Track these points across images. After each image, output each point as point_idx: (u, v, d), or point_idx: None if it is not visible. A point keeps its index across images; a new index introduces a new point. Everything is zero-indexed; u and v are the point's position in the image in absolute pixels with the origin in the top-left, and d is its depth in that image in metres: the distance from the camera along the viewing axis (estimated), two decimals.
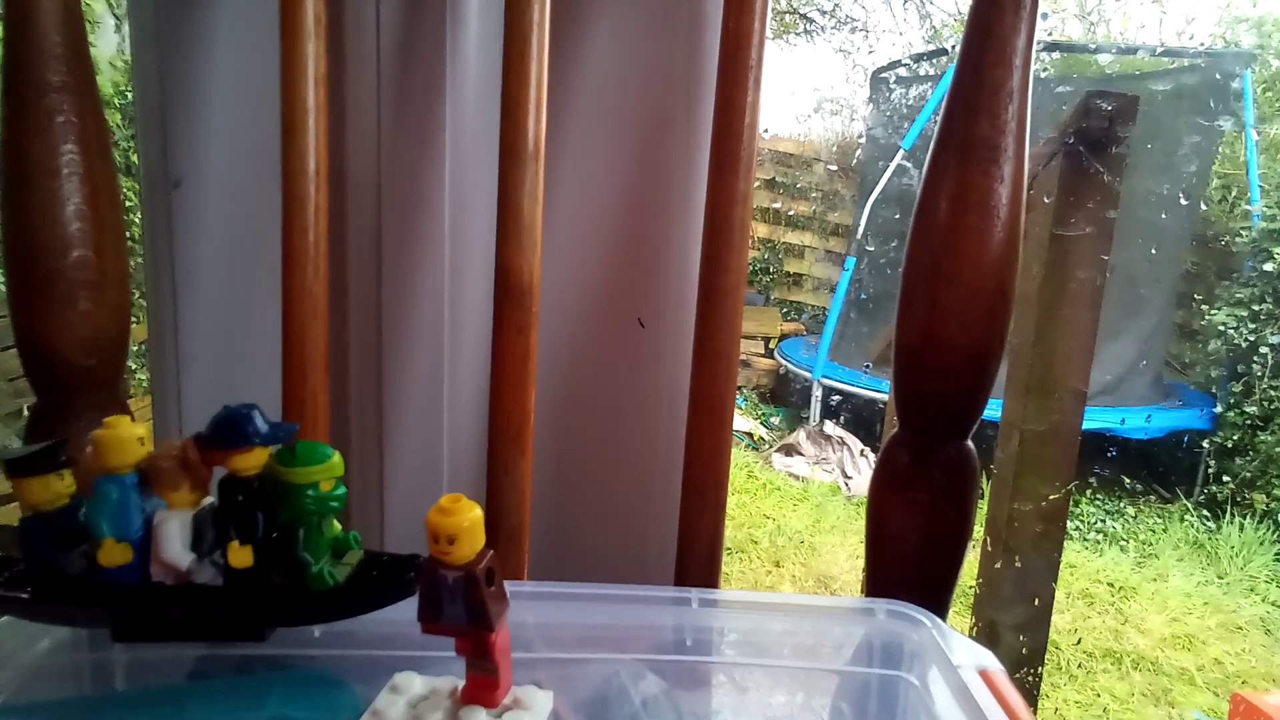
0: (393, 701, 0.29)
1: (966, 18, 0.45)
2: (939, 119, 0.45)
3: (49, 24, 0.44)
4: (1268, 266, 3.26)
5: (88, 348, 0.47)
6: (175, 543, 0.35)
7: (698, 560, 0.51)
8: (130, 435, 0.34)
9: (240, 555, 0.34)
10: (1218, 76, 3.39)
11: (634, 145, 0.60)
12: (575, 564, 0.63)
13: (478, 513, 0.26)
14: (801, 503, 3.09)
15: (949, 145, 0.44)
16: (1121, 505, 3.26)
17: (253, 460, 0.34)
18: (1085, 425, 1.46)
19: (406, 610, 0.35)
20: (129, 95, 2.83)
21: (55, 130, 0.45)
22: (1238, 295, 3.38)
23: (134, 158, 2.13)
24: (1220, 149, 3.57)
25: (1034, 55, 0.45)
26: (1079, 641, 2.29)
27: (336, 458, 0.35)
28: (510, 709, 0.28)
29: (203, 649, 0.37)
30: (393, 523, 0.65)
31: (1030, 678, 1.59)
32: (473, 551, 0.26)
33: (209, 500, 0.36)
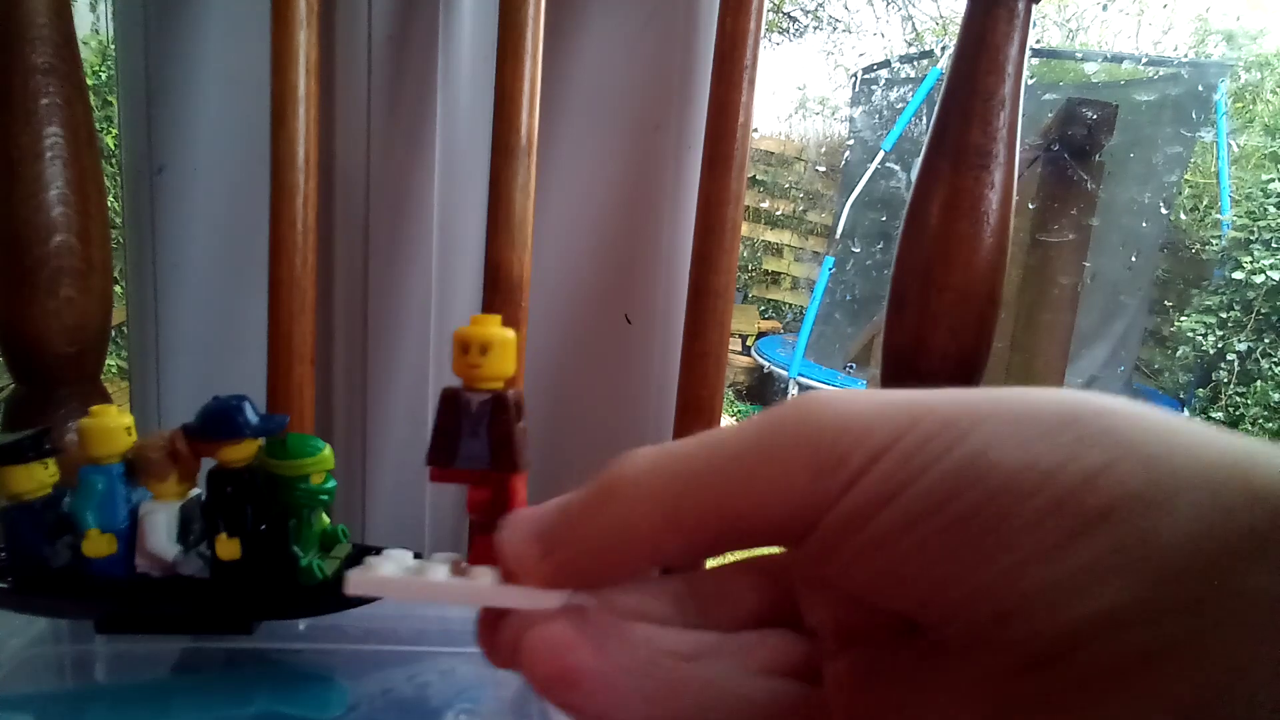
0: (384, 561, 0.24)
1: (960, 26, 0.46)
2: (931, 125, 0.46)
3: (36, 6, 0.43)
4: (1236, 275, 3.32)
5: (70, 335, 0.46)
6: (161, 534, 0.34)
7: None
8: (118, 425, 0.34)
9: (228, 548, 0.34)
10: (1200, 88, 3.44)
11: (626, 142, 0.60)
12: None
13: (513, 334, 0.22)
14: None
15: (941, 151, 0.44)
16: None
17: (242, 452, 0.34)
18: None
19: (395, 605, 0.35)
20: (102, 76, 2.78)
21: (40, 113, 0.44)
22: (1207, 303, 3.44)
23: (109, 140, 2.09)
24: (1193, 159, 3.63)
25: (1025, 63, 0.45)
26: None
27: (327, 451, 0.35)
28: None
29: (188, 642, 0.37)
30: (375, 517, 0.64)
31: None
32: (506, 373, 0.21)
33: (196, 491, 0.36)
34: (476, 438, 0.21)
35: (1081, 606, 0.13)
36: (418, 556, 0.21)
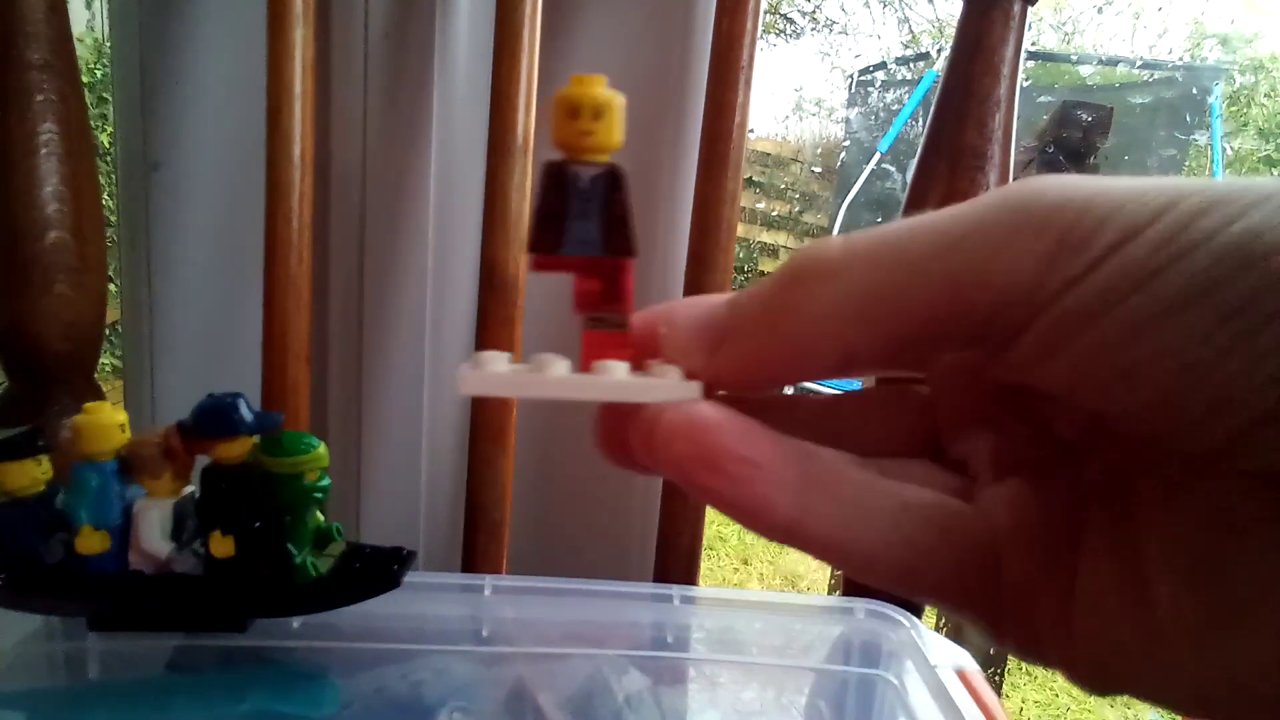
0: (492, 359, 0.18)
1: (956, 28, 0.46)
2: (927, 126, 0.46)
3: (31, 2, 0.43)
4: None
5: (64, 332, 0.46)
6: (155, 531, 0.34)
7: (678, 558, 0.52)
8: (111, 422, 0.34)
9: (222, 545, 0.34)
10: (1194, 91, 3.46)
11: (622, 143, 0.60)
12: (556, 560, 0.63)
13: (622, 99, 0.19)
14: None
15: (937, 152, 0.45)
16: None
17: (237, 449, 0.34)
18: None
19: (389, 603, 0.35)
20: (97, 74, 2.77)
21: (35, 109, 0.44)
22: None
23: (103, 137, 2.08)
24: (1188, 162, 3.64)
25: (1021, 66, 0.45)
26: None
27: (322, 449, 0.35)
28: (651, 367, 0.18)
29: (181, 640, 0.37)
30: (369, 516, 0.64)
31: (994, 678, 1.62)
32: (618, 143, 0.18)
33: (190, 489, 0.36)
34: (586, 219, 0.18)
35: None
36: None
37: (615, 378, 0.17)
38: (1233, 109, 4.30)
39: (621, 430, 0.16)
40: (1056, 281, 0.13)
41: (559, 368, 0.17)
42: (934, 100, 0.46)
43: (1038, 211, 0.13)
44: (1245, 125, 4.32)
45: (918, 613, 0.47)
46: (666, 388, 0.16)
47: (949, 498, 0.16)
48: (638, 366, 0.18)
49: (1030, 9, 0.45)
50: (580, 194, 0.18)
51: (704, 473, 0.15)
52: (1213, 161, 3.58)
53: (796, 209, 4.95)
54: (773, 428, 0.16)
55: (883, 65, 4.40)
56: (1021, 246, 0.13)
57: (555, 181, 0.18)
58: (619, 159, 0.18)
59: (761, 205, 4.84)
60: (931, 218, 0.14)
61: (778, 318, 0.15)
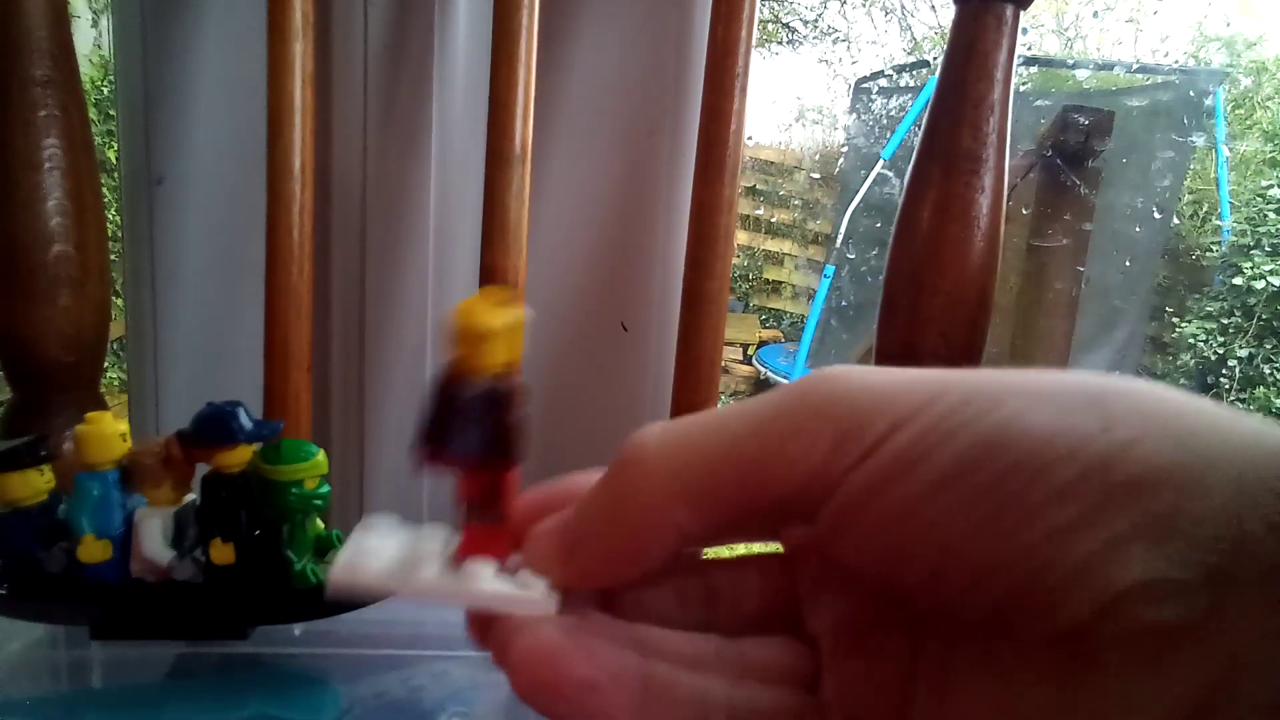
0: (368, 554, 0.19)
1: (949, 33, 0.46)
2: (922, 131, 0.46)
3: (35, 18, 0.43)
4: (1236, 280, 3.32)
5: (68, 344, 0.46)
6: (156, 540, 0.35)
7: None
8: (113, 431, 0.34)
9: (222, 552, 0.34)
10: (1191, 94, 3.45)
11: (620, 150, 0.61)
12: None
13: (518, 315, 0.19)
14: None
15: (932, 156, 0.45)
16: None
17: (237, 457, 0.34)
18: None
19: (389, 610, 0.35)
20: (104, 90, 2.80)
21: (39, 124, 0.44)
22: (1207, 309, 3.44)
23: (109, 153, 2.10)
24: (1192, 165, 3.63)
25: (1015, 70, 0.46)
26: None
27: (321, 456, 0.35)
28: (520, 569, 0.19)
29: (182, 647, 0.37)
30: None
31: None
32: (503, 360, 0.19)
33: (190, 497, 0.36)
34: (470, 427, 0.19)
35: (1107, 579, 0.13)
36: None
37: (479, 586, 0.18)
38: (1236, 112, 4.30)
39: (486, 629, 0.18)
40: (839, 467, 0.15)
41: (431, 567, 0.18)
42: (929, 105, 0.47)
43: (823, 404, 0.15)
44: (1250, 128, 4.31)
45: None
46: (524, 602, 0.17)
47: (785, 691, 0.17)
48: (511, 563, 0.19)
49: (1023, 12, 0.45)
50: (464, 406, 0.19)
51: (548, 700, 0.16)
52: (1217, 165, 3.57)
53: (799, 216, 4.95)
54: (652, 598, 0.18)
55: (883, 72, 4.40)
56: (809, 436, 0.15)
57: (444, 392, 0.19)
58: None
59: (761, 212, 4.84)
60: (740, 408, 0.16)
61: (614, 516, 0.17)
